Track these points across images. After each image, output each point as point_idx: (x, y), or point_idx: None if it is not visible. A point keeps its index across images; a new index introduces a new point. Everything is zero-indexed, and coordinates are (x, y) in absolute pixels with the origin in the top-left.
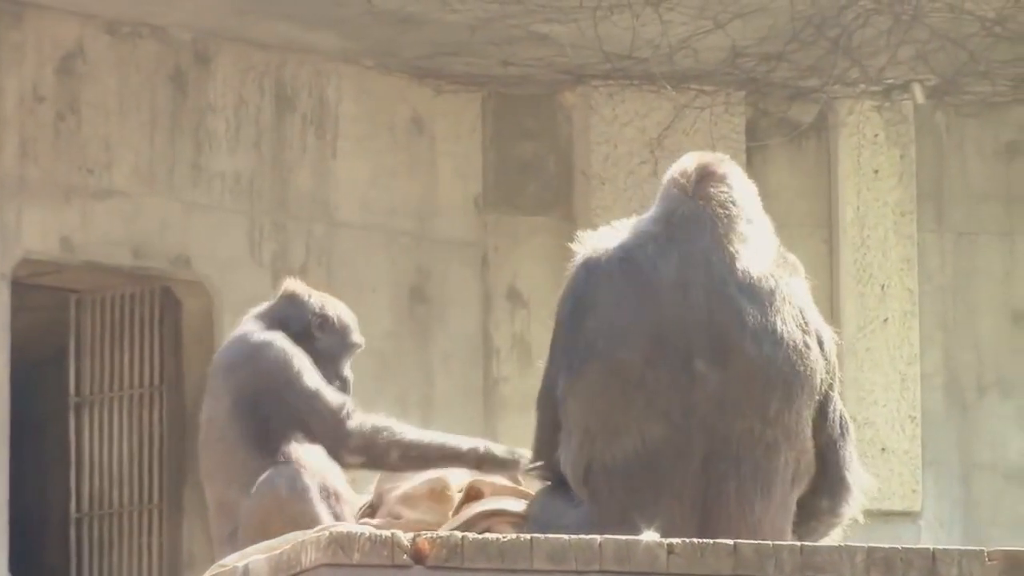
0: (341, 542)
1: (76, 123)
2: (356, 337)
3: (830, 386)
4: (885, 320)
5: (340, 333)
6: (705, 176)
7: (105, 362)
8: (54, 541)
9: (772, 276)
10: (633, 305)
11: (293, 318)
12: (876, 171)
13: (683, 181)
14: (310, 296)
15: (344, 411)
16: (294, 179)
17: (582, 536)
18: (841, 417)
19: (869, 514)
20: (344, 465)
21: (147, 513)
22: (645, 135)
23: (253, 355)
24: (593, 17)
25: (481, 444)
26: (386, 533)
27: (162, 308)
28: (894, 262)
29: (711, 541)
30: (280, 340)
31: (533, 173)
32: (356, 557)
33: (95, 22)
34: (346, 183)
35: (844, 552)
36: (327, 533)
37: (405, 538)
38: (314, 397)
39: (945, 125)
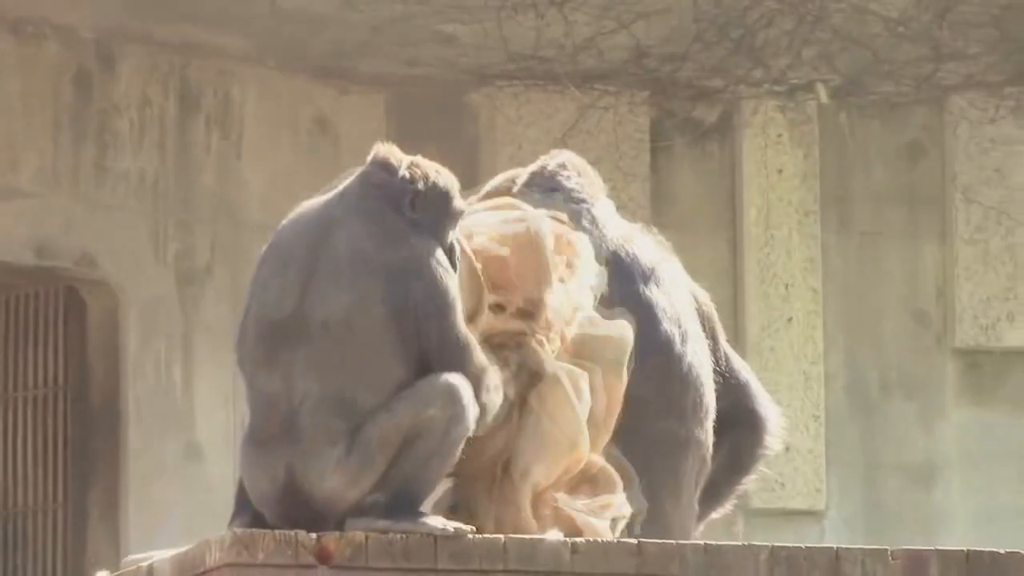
0: (245, 541)
1: None
2: (458, 204)
3: (715, 339)
4: (789, 320)
5: (438, 203)
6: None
7: (9, 362)
8: None
9: (666, 261)
10: None
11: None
12: (780, 171)
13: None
14: (400, 164)
15: None
16: (199, 179)
17: (487, 536)
18: (737, 362)
19: (773, 513)
20: None
21: (51, 513)
22: (550, 135)
23: None
24: (498, 17)
25: None
26: (290, 533)
27: (66, 308)
28: (798, 262)
29: (615, 540)
30: None
31: None
32: (260, 557)
33: None
34: (251, 183)
35: (748, 551)
36: (231, 533)
37: (309, 538)
38: None
39: (849, 125)
